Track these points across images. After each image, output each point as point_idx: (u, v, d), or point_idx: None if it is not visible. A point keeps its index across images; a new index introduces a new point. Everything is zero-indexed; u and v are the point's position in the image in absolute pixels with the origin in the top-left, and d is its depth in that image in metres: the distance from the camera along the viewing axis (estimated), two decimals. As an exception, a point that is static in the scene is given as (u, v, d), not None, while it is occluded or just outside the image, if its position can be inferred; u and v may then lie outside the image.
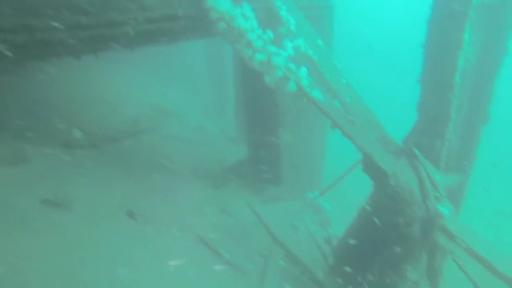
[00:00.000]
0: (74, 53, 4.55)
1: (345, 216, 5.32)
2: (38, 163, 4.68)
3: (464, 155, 5.67)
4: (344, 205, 8.18)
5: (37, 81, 6.50)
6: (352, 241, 4.53)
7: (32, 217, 3.92)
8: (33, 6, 3.46)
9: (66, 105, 6.60)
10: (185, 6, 4.78)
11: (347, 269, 4.34)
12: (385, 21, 26.24)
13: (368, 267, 4.42)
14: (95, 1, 3.92)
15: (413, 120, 5.13)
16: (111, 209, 4.76)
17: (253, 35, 4.71)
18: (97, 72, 8.52)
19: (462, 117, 5.42)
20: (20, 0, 3.39)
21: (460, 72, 4.50)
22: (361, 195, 4.96)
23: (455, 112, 4.69)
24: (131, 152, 6.53)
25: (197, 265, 4.48)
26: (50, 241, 3.78)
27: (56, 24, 3.41)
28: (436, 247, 3.98)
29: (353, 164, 6.91)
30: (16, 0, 3.37)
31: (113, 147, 6.38)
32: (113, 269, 3.86)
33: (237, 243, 5.46)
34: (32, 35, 3.40)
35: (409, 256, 4.32)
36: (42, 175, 4.55)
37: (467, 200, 6.06)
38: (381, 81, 21.68)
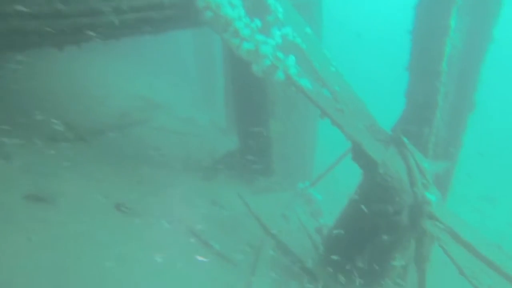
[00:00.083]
0: (56, 44, 4.42)
1: (336, 206, 5.36)
2: (21, 157, 4.56)
3: (451, 142, 5.73)
4: (335, 194, 8.25)
5: (18, 73, 6.31)
6: (341, 231, 4.57)
7: (16, 213, 3.83)
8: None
9: (50, 97, 6.44)
10: (170, -6, 4.66)
11: (335, 257, 4.38)
12: (374, 8, 26.19)
13: (358, 255, 4.48)
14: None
15: (402, 108, 5.15)
16: (99, 202, 4.68)
17: (240, 23, 4.63)
18: (82, 64, 8.31)
19: (449, 105, 5.46)
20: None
21: (446, 59, 4.51)
22: (352, 185, 4.99)
23: (442, 99, 4.72)
24: (119, 145, 6.44)
25: (187, 257, 4.47)
26: (35, 237, 3.71)
27: (27, 10, 3.26)
28: (424, 233, 4.04)
29: (343, 153, 6.94)
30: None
31: (101, 140, 6.28)
32: (101, 263, 3.81)
33: (228, 234, 5.46)
34: (6, 22, 3.25)
35: (398, 243, 4.38)
36: (26, 169, 4.43)
37: (453, 186, 6.16)
38: (369, 69, 21.76)
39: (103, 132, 6.50)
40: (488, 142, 15.74)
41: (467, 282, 3.76)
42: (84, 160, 5.33)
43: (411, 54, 4.90)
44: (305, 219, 6.92)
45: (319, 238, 5.84)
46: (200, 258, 4.19)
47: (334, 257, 4.43)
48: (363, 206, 4.27)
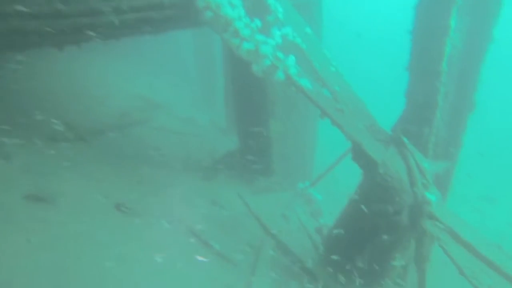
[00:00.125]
0: (56, 44, 4.41)
1: (336, 206, 5.35)
2: (21, 157, 4.55)
3: (451, 142, 5.73)
4: (335, 194, 8.25)
5: (19, 72, 6.31)
6: (341, 231, 4.57)
7: (15, 213, 3.82)
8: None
9: (50, 97, 6.44)
10: (170, -6, 4.66)
11: (335, 257, 4.38)
12: (374, 8, 26.18)
13: (358, 255, 4.47)
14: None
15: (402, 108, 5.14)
16: (99, 202, 4.68)
17: (240, 23, 4.63)
18: (82, 64, 8.31)
19: (449, 105, 5.45)
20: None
21: (446, 59, 4.51)
22: (353, 185, 4.98)
23: (442, 99, 4.71)
24: (119, 145, 6.44)
25: (187, 257, 4.47)
26: (35, 237, 3.70)
27: (27, 9, 3.25)
28: (424, 233, 4.03)
29: (343, 153, 6.93)
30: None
31: (101, 140, 6.27)
32: (101, 263, 3.81)
33: (228, 234, 5.46)
34: (6, 22, 3.24)
35: (398, 243, 4.38)
36: (25, 169, 4.43)
37: (453, 186, 6.16)
38: (369, 69, 21.76)
39: (103, 132, 6.50)
40: (488, 142, 15.74)
41: (467, 282, 3.76)
42: (84, 160, 5.33)
43: (411, 54, 4.90)
44: (305, 219, 6.91)
45: (319, 238, 5.84)
46: (199, 258, 4.18)
47: (334, 257, 4.43)
48: (363, 206, 4.27)
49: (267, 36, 4.69)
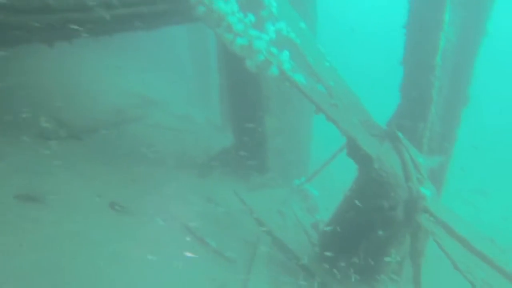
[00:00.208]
0: (45, 40, 4.33)
1: (332, 201, 5.35)
2: (12, 156, 4.49)
3: (446, 136, 5.74)
4: (331, 190, 8.25)
5: (10, 69, 6.21)
6: (336, 227, 4.57)
7: (7, 213, 3.77)
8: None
9: (42, 94, 6.34)
10: (162, -12, 4.58)
11: (331, 253, 4.38)
12: (368, 3, 26.13)
13: (353, 251, 4.48)
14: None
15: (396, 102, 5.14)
16: (92, 201, 4.63)
17: (233, 18, 4.57)
18: (75, 60, 8.20)
19: (443, 99, 5.45)
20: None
21: (440, 53, 4.49)
22: (348, 180, 4.97)
23: (436, 93, 4.71)
24: (113, 143, 6.37)
25: (183, 256, 4.44)
26: (28, 237, 3.66)
27: (14, 3, 3.15)
28: (419, 228, 4.04)
29: (338, 148, 6.92)
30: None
31: (95, 137, 6.21)
32: (95, 262, 3.78)
33: (224, 231, 5.44)
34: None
35: (393, 238, 4.39)
36: (17, 168, 4.37)
37: (447, 180, 6.18)
38: (364, 64, 21.75)
39: (97, 130, 6.43)
40: (480, 135, 15.85)
41: (461, 276, 3.78)
42: (77, 159, 5.27)
43: (405, 48, 4.87)
44: (301, 215, 6.92)
45: (315, 234, 5.84)
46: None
47: (330, 253, 4.43)
48: (357, 201, 4.26)
49: (261, 31, 4.64)
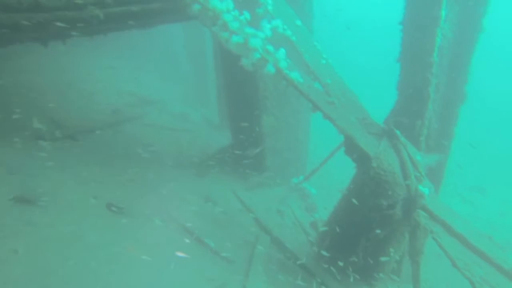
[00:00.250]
0: (38, 39, 4.26)
1: (331, 200, 5.33)
2: (6, 157, 4.43)
3: (443, 134, 5.72)
4: (330, 188, 8.24)
5: (3, 68, 6.13)
6: (335, 226, 4.54)
7: (2, 216, 3.72)
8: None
9: (36, 94, 6.28)
10: (156, -14, 4.53)
11: (329, 253, 4.36)
12: (365, 0, 26.10)
13: (352, 250, 4.46)
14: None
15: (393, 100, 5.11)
16: (88, 203, 4.59)
17: (229, 16, 4.52)
18: (70, 59, 8.13)
19: (440, 96, 5.43)
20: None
21: (437, 50, 4.47)
22: (347, 178, 4.95)
23: (433, 91, 4.68)
24: (109, 143, 6.32)
25: (187, 256, 4.40)
26: (23, 240, 3.61)
27: (5, 1, 3.05)
28: (418, 226, 4.03)
29: (336, 146, 6.90)
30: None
31: (91, 138, 6.15)
32: (91, 265, 3.73)
33: (222, 231, 5.41)
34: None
35: (392, 237, 4.37)
36: (11, 170, 4.31)
37: (445, 178, 6.17)
38: (361, 61, 21.74)
39: (94, 130, 6.38)
40: (476, 132, 15.89)
41: (460, 273, 3.77)
42: (73, 159, 5.21)
43: (401, 45, 4.84)
44: (299, 214, 6.90)
45: (314, 233, 5.82)
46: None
47: (329, 252, 4.41)
48: (354, 200, 4.24)
49: (257, 29, 4.59)
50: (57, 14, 3.69)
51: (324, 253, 4.40)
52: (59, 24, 3.66)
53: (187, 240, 4.83)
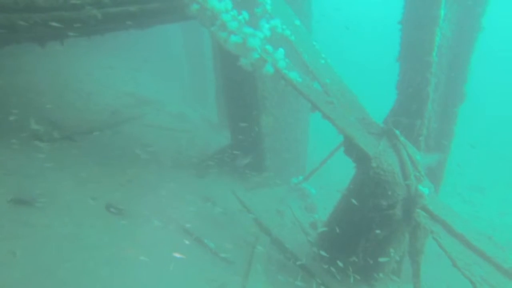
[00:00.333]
0: (35, 40, 4.24)
1: (331, 200, 5.31)
2: (3, 159, 4.40)
3: (443, 133, 5.71)
4: (329, 188, 8.22)
5: (1, 69, 6.09)
6: (335, 226, 4.52)
7: (0, 218, 3.70)
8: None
9: (34, 95, 6.24)
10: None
11: (329, 253, 4.34)
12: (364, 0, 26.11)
13: (352, 250, 4.44)
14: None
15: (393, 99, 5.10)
16: (87, 204, 4.56)
17: (227, 16, 4.51)
18: (68, 60, 8.10)
19: (440, 95, 5.42)
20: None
21: (436, 49, 4.45)
22: (347, 178, 4.93)
23: (432, 90, 4.67)
24: (108, 143, 6.30)
25: (183, 257, 4.38)
26: (22, 242, 3.59)
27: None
28: (418, 226, 4.01)
29: (336, 146, 6.88)
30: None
31: (90, 138, 6.13)
32: (90, 266, 3.72)
33: (222, 231, 5.40)
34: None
35: (392, 237, 4.36)
36: (9, 172, 4.29)
37: (444, 177, 6.16)
38: (361, 61, 21.73)
39: (92, 131, 6.35)
40: (476, 131, 15.89)
41: (460, 273, 3.76)
42: (71, 160, 5.19)
43: (401, 45, 4.83)
44: (299, 214, 6.88)
45: (313, 233, 5.80)
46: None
47: (329, 252, 4.39)
48: (353, 200, 4.23)
49: (255, 28, 4.58)
50: (54, 15, 3.67)
51: (323, 253, 4.39)
52: (56, 24, 3.63)
53: (186, 241, 4.81)
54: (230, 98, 7.04)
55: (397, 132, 4.53)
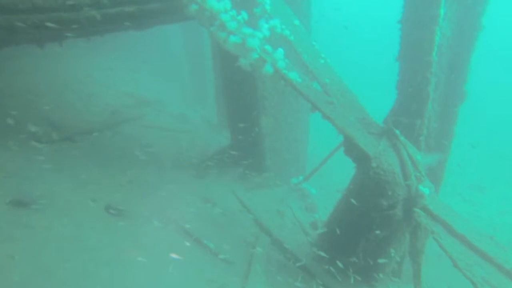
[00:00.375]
0: (34, 41, 4.23)
1: (331, 200, 5.30)
2: (2, 161, 4.39)
3: (443, 133, 5.69)
4: (330, 188, 8.20)
5: (1, 70, 6.09)
6: (335, 226, 4.51)
7: (-1, 220, 3.70)
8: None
9: (33, 96, 6.24)
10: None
11: (329, 254, 4.33)
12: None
13: (352, 250, 4.43)
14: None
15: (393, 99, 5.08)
16: (86, 205, 4.55)
17: (226, 16, 4.49)
18: (67, 61, 8.10)
19: (440, 95, 5.40)
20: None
21: (436, 49, 4.44)
22: (347, 178, 4.91)
23: (433, 90, 4.65)
24: (108, 144, 6.29)
25: (181, 258, 4.37)
26: (21, 244, 3.58)
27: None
28: (418, 227, 4.00)
29: (336, 146, 6.87)
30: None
31: (89, 139, 6.12)
32: (90, 268, 3.70)
33: (222, 232, 5.39)
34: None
35: (392, 237, 4.34)
36: (8, 173, 4.28)
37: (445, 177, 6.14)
38: (360, 61, 21.70)
39: (92, 132, 6.35)
40: (476, 130, 15.86)
41: (461, 274, 3.74)
42: (70, 161, 5.18)
43: (400, 44, 4.81)
44: (300, 214, 6.86)
45: (314, 233, 5.79)
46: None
47: (329, 253, 4.38)
48: (353, 200, 4.21)
49: (255, 29, 4.56)
50: (53, 16, 3.66)
51: (323, 254, 4.37)
52: (55, 25, 3.62)
53: (186, 242, 4.80)
54: (230, 98, 7.03)
55: (397, 132, 4.51)
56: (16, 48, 4.43)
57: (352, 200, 4.20)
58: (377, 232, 4.20)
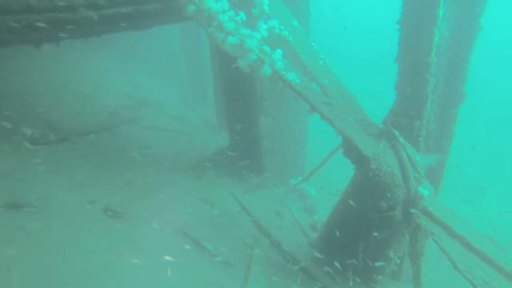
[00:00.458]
0: (31, 42, 4.20)
1: (330, 201, 5.27)
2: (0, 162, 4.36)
3: (442, 134, 5.68)
4: (329, 189, 8.19)
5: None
6: (334, 227, 4.48)
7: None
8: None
9: (30, 97, 6.20)
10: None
11: (328, 255, 4.30)
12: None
13: (352, 252, 4.41)
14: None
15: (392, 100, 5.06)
16: (85, 207, 4.52)
17: (224, 17, 4.47)
18: (65, 62, 8.07)
19: (439, 96, 5.38)
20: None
21: (435, 50, 4.42)
22: (346, 179, 4.89)
23: (432, 90, 4.63)
24: (106, 145, 6.26)
25: (178, 261, 4.34)
26: (18, 247, 3.54)
27: None
28: (418, 228, 3.98)
29: (335, 147, 6.85)
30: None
31: (87, 140, 6.09)
32: (89, 271, 3.67)
33: (221, 233, 5.36)
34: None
35: (392, 239, 4.32)
36: (4, 175, 4.24)
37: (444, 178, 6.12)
38: (359, 60, 21.71)
39: (90, 133, 6.32)
40: (475, 131, 15.86)
41: (461, 276, 3.72)
42: (68, 163, 5.15)
43: (399, 45, 4.79)
44: (299, 215, 6.84)
45: (313, 234, 5.77)
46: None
47: (328, 255, 4.35)
48: (351, 202, 4.19)
49: (253, 29, 4.54)
50: (48, 16, 3.63)
51: (321, 256, 4.35)
52: (50, 26, 3.59)
53: (185, 245, 4.77)
54: (229, 99, 7.01)
55: (397, 133, 4.50)
56: (14, 49, 4.40)
57: (351, 202, 4.17)
58: (376, 233, 4.17)
